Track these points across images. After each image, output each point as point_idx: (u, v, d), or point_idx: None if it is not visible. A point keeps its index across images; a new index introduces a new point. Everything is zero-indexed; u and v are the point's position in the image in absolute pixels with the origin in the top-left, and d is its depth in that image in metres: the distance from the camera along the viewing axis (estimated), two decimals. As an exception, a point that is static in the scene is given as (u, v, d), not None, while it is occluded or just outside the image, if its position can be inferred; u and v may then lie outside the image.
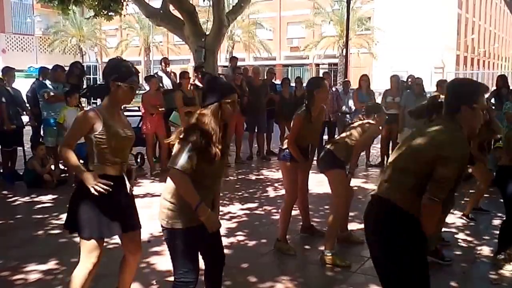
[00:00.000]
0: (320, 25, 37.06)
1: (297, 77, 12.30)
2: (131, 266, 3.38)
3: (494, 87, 9.35)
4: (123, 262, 3.38)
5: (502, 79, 9.38)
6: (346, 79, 11.98)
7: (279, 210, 6.17)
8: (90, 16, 13.80)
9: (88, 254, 3.11)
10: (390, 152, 9.55)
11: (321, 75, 13.03)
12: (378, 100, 9.84)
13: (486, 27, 48.97)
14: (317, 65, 39.68)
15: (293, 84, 11.40)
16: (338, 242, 4.81)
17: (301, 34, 41.12)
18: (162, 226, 2.92)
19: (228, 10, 13.06)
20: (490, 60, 49.65)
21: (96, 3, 12.09)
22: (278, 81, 12.51)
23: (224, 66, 16.03)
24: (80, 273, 3.13)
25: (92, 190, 2.97)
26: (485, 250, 4.91)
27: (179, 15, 11.85)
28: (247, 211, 6.19)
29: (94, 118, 3.05)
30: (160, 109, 8.51)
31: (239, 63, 11.40)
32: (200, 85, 9.36)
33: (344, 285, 4.05)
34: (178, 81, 9.45)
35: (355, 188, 7.60)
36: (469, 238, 5.30)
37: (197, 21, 11.66)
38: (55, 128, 7.74)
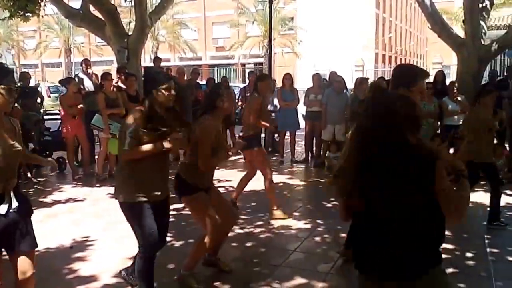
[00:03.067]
0: (244, 25, 37.33)
1: (223, 77, 12.38)
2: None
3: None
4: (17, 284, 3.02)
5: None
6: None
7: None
8: (5, 17, 13.07)
9: None
10: (314, 148, 9.84)
11: (247, 74, 13.21)
12: (302, 98, 10.09)
13: (402, 26, 51.45)
14: (243, 64, 39.97)
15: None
16: (204, 265, 4.32)
17: (226, 34, 41.22)
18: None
19: (151, 10, 12.86)
20: (407, 57, 52.17)
21: (11, 3, 11.46)
22: (204, 81, 12.49)
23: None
24: None
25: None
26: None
27: (100, 16, 11.52)
28: (174, 212, 6.11)
29: None
30: (79, 106, 8.28)
31: (164, 64, 11.28)
32: (123, 86, 9.18)
33: (270, 279, 4.15)
34: (100, 82, 9.21)
35: (281, 184, 7.83)
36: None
37: (119, 21, 11.39)
38: None
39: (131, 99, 8.73)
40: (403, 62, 49.21)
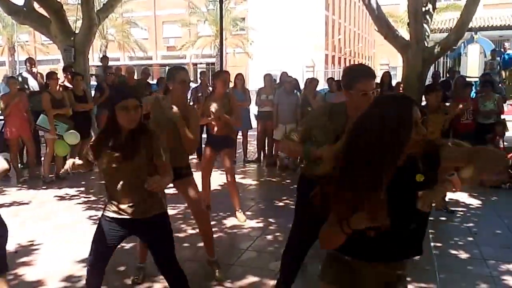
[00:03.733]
0: (196, 24, 37.15)
1: (173, 77, 12.21)
2: None
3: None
4: None
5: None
6: (222, 78, 12.15)
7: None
8: None
9: None
10: (266, 147, 9.92)
11: (198, 74, 13.15)
12: (253, 98, 10.15)
13: (351, 28, 52.58)
14: (195, 64, 39.68)
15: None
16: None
17: (177, 34, 40.89)
18: (158, 214, 3.04)
19: (98, 8, 12.57)
20: (356, 59, 53.34)
21: None
22: (155, 81, 12.32)
23: (98, 66, 15.41)
24: None
25: None
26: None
27: (45, 13, 11.15)
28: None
29: None
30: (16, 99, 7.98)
31: (113, 63, 11.06)
32: (70, 86, 8.95)
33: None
34: (45, 82, 8.94)
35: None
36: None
37: (65, 19, 11.06)
38: None
39: (78, 99, 8.55)
40: (352, 63, 50.33)
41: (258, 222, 5.78)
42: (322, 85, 14.74)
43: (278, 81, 10.70)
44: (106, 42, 36.34)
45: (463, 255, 4.76)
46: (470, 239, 5.26)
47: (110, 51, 34.53)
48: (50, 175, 8.01)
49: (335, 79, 11.56)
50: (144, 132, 2.96)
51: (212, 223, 5.65)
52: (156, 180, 2.77)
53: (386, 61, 25.59)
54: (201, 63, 38.58)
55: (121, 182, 2.95)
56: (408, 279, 4.02)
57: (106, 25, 32.51)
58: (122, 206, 2.97)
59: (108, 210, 3.03)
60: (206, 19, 35.46)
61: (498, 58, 14.08)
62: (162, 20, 42.97)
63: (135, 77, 10.84)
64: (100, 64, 11.53)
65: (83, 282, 3.61)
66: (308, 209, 3.00)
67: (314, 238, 2.93)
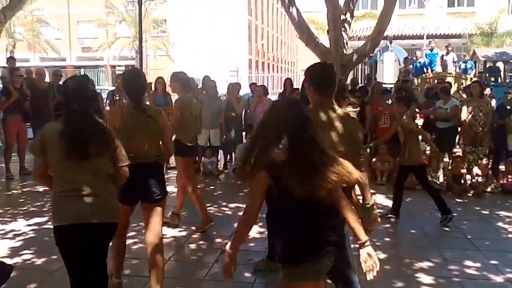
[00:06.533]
0: (114, 25, 35.92)
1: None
2: None
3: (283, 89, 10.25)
4: None
5: (288, 82, 10.33)
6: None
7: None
8: None
9: None
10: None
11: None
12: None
13: (274, 34, 53.36)
14: (113, 66, 38.46)
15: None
16: None
17: (93, 34, 39.29)
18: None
19: (4, 4, 11.76)
20: (279, 64, 54.21)
21: None
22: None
23: (4, 67, 14.42)
24: None
25: None
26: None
27: None
28: (35, 227, 5.62)
29: None
30: None
31: (22, 64, 10.38)
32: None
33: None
34: None
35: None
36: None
37: (-34, 16, 10.27)
38: None
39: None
40: (275, 68, 51.11)
41: (180, 231, 5.60)
42: (246, 90, 14.76)
43: (200, 85, 10.54)
44: (14, 41, 34.11)
45: (381, 255, 4.85)
46: (387, 239, 5.42)
47: (19, 51, 32.56)
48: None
49: (259, 84, 11.59)
50: None
51: (131, 234, 5.41)
52: None
53: (308, 67, 26.15)
54: (119, 65, 37.45)
55: None
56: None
57: (14, 23, 30.58)
58: None
59: None
60: (124, 20, 34.42)
61: (411, 66, 14.80)
62: (76, 19, 41.19)
63: (47, 79, 10.21)
64: (6, 65, 10.75)
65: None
66: None
67: None
